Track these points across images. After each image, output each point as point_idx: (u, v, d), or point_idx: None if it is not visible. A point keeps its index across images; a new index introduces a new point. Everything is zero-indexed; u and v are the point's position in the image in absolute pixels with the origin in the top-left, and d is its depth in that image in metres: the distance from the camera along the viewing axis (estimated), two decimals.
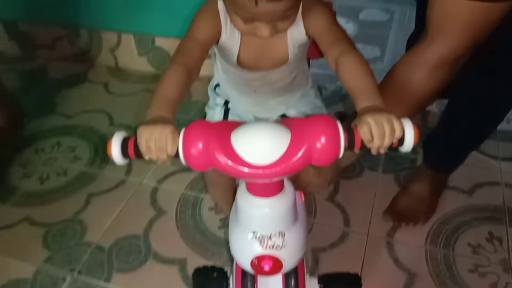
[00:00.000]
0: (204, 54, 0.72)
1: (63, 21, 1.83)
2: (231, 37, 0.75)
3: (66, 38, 1.87)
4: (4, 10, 1.89)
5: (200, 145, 0.57)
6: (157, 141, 0.57)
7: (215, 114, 0.93)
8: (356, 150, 0.59)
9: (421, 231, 1.14)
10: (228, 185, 1.02)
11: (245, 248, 0.70)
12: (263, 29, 0.67)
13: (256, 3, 0.61)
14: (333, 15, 0.75)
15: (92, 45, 1.85)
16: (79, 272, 1.11)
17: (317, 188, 1.11)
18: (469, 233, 1.13)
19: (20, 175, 1.41)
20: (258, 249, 0.68)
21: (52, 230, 1.22)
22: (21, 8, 1.86)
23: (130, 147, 0.59)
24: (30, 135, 1.56)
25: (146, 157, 0.59)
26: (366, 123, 0.56)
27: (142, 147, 0.58)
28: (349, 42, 0.70)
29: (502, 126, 1.42)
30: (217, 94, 0.94)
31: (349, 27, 2.04)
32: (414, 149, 1.32)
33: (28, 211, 1.28)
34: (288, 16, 0.67)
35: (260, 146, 0.57)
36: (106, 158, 1.43)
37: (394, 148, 0.59)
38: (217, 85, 0.94)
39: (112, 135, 0.60)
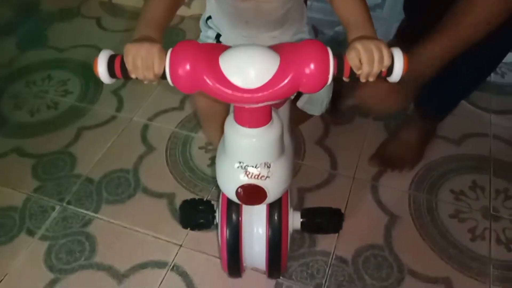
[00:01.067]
0: None
1: None
2: None
3: None
4: None
5: (188, 66, 0.56)
6: (143, 59, 0.56)
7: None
8: (345, 78, 0.58)
9: (406, 176, 1.16)
10: (221, 120, 1.02)
11: (231, 178, 0.71)
12: None
13: None
14: None
15: None
16: (68, 202, 1.13)
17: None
18: (454, 181, 1.15)
19: (10, 106, 1.40)
20: (243, 179, 0.69)
21: (42, 161, 1.23)
22: None
23: (116, 66, 0.58)
24: (21, 67, 1.53)
25: (133, 75, 0.58)
26: (355, 49, 0.56)
27: (129, 65, 0.57)
28: None
29: (496, 79, 1.43)
30: (209, 27, 0.91)
31: None
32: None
33: (19, 142, 1.29)
34: None
35: (248, 69, 0.56)
36: (97, 92, 1.42)
37: (383, 78, 0.59)
38: (209, 17, 0.91)
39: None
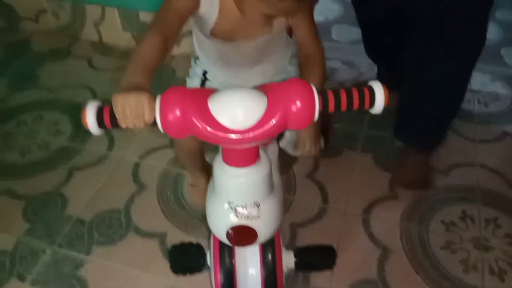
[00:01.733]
0: (182, 23, 0.72)
1: None
2: (209, 7, 0.75)
3: (49, 11, 1.84)
4: None
5: (178, 112, 0.56)
6: (133, 108, 0.56)
7: (192, 82, 0.94)
8: (331, 111, 0.60)
9: (396, 208, 1.17)
10: (195, 156, 1.04)
11: (221, 219, 0.70)
12: None
13: None
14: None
15: (75, 18, 1.82)
16: (59, 245, 1.12)
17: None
18: (444, 211, 1.16)
19: (1, 147, 1.40)
20: (233, 220, 0.69)
21: (32, 203, 1.23)
22: None
23: (105, 116, 0.58)
24: (12, 107, 1.54)
25: (123, 125, 0.58)
26: None
27: (118, 115, 0.56)
28: (317, 45, 0.80)
29: (480, 109, 1.46)
30: (197, 65, 0.94)
31: (335, 8, 2.04)
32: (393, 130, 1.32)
33: (9, 183, 1.28)
34: None
35: (237, 110, 0.57)
36: (88, 132, 1.42)
37: (365, 110, 0.61)
38: (197, 57, 0.94)
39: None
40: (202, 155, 1.06)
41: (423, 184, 1.22)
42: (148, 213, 1.19)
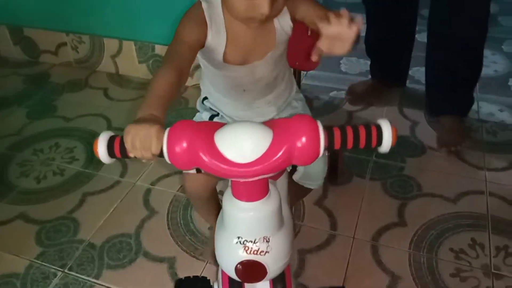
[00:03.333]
0: (193, 55, 0.75)
1: (66, 28, 1.89)
2: (217, 36, 0.78)
3: (69, 44, 1.93)
4: (10, 16, 1.96)
5: (184, 144, 0.58)
6: (141, 140, 0.58)
7: (201, 119, 0.95)
8: (336, 148, 0.60)
9: (405, 236, 1.17)
10: (207, 198, 1.02)
11: (230, 254, 0.69)
12: (263, 4, 0.69)
13: None
14: None
15: (94, 51, 1.90)
16: (70, 269, 1.14)
17: None
18: (453, 239, 1.16)
19: (18, 174, 1.44)
20: (242, 254, 0.67)
21: (46, 227, 1.25)
22: (27, 14, 1.93)
23: (116, 146, 0.60)
24: (30, 135, 1.60)
25: (131, 155, 0.59)
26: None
27: (128, 145, 0.58)
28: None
29: (489, 138, 1.47)
30: (205, 108, 0.96)
31: None
32: (401, 159, 1.36)
33: (24, 208, 1.32)
34: None
35: (242, 144, 0.58)
36: None
37: (373, 148, 0.60)
38: (205, 98, 0.96)
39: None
40: (216, 197, 1.04)
41: (461, 143, 1.43)
42: (158, 238, 1.20)
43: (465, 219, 1.21)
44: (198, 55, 0.83)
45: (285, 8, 0.79)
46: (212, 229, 1.21)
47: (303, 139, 0.58)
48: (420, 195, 1.29)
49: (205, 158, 0.58)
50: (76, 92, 1.84)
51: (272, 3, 0.69)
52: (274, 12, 0.73)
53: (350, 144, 0.60)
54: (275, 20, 0.80)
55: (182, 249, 1.17)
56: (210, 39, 0.78)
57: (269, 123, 0.62)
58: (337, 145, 0.59)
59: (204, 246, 1.17)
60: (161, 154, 0.59)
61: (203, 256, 1.15)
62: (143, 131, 0.58)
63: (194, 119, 0.98)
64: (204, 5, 0.77)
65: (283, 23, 0.81)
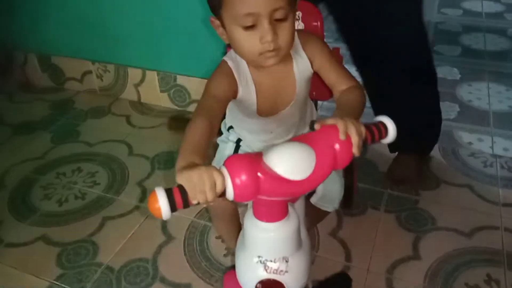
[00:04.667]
0: (223, 109, 0.78)
1: (92, 57, 1.98)
2: (246, 88, 0.82)
3: (94, 73, 2.01)
4: (39, 45, 2.06)
5: (245, 176, 0.60)
6: (206, 181, 0.57)
7: (227, 147, 0.99)
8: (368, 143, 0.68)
9: (420, 269, 1.17)
10: (231, 218, 1.06)
11: (250, 272, 0.72)
12: (265, 32, 0.71)
13: None
14: (326, 46, 0.86)
15: (118, 80, 1.98)
16: None
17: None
18: (468, 274, 1.15)
19: (41, 196, 1.49)
20: (262, 273, 0.70)
21: (66, 250, 1.29)
22: (55, 43, 2.02)
23: (177, 197, 0.58)
24: (53, 159, 1.65)
25: (195, 201, 0.58)
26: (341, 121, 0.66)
27: (192, 191, 0.57)
28: (353, 80, 0.83)
29: (503, 173, 1.48)
30: (230, 133, 1.00)
31: (357, 76, 2.13)
32: (416, 192, 1.37)
33: (45, 230, 1.36)
34: (285, 15, 0.72)
35: (295, 162, 0.63)
36: (122, 184, 1.51)
37: (378, 140, 0.69)
38: (231, 127, 0.99)
39: (151, 191, 0.58)
40: (238, 224, 1.07)
41: (413, 181, 1.43)
42: (175, 264, 1.22)
43: (480, 254, 1.21)
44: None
45: (302, 51, 0.83)
46: (227, 255, 1.23)
47: (337, 146, 0.64)
48: (434, 228, 1.29)
49: (268, 183, 0.62)
50: (99, 118, 1.90)
51: (273, 30, 0.72)
52: (283, 44, 0.74)
53: (369, 139, 0.68)
54: (294, 66, 0.83)
55: (198, 276, 1.19)
56: (242, 91, 0.81)
57: (300, 139, 0.67)
58: (368, 140, 0.68)
59: (219, 273, 1.19)
60: (223, 193, 0.60)
61: None
62: (205, 172, 0.58)
63: (219, 148, 1.02)
64: (230, 63, 0.81)
65: (302, 68, 0.84)
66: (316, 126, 0.67)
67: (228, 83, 0.80)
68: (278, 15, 0.72)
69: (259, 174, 0.61)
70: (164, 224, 1.35)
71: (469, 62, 2.27)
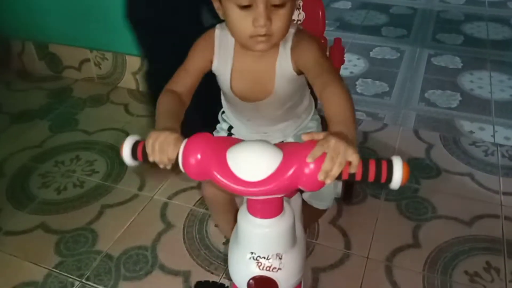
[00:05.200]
0: (195, 82, 0.79)
1: (90, 45, 1.96)
2: (224, 63, 0.81)
3: (92, 61, 1.99)
4: (37, 33, 2.03)
5: (198, 156, 0.61)
6: (161, 144, 0.62)
7: (220, 132, 0.99)
8: (344, 179, 0.60)
9: (419, 257, 1.17)
10: (227, 208, 1.04)
11: (242, 268, 0.71)
12: (259, 15, 0.69)
13: None
14: (321, 46, 0.79)
15: (116, 68, 1.96)
16: (87, 279, 1.16)
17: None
18: (467, 262, 1.15)
19: (39, 184, 1.48)
20: (255, 270, 0.69)
21: (65, 238, 1.28)
22: (53, 31, 2.00)
23: (139, 149, 0.65)
24: (51, 148, 1.64)
25: (150, 158, 0.64)
26: (326, 142, 0.57)
27: (148, 148, 0.63)
28: (333, 73, 0.72)
29: (504, 162, 1.48)
30: (223, 120, 0.99)
31: (360, 63, 2.13)
32: (416, 180, 1.37)
33: (44, 218, 1.35)
34: (283, 2, 0.69)
35: (251, 162, 0.61)
36: (121, 173, 1.50)
37: (382, 184, 0.60)
38: (223, 111, 0.99)
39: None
40: (234, 208, 1.05)
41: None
42: (174, 252, 1.22)
43: (480, 242, 1.21)
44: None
45: (289, 54, 0.79)
46: (227, 244, 1.23)
47: (311, 166, 0.58)
48: (434, 217, 1.29)
49: (215, 173, 0.61)
50: (98, 107, 1.89)
51: (268, 15, 0.69)
52: (276, 31, 0.72)
53: (358, 176, 0.59)
54: (278, 62, 0.80)
55: (197, 263, 1.18)
56: (216, 65, 0.82)
57: (280, 145, 0.64)
58: (344, 176, 0.59)
59: (218, 261, 1.18)
60: (176, 162, 0.63)
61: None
62: (163, 136, 0.63)
63: (217, 128, 1.01)
64: (217, 32, 0.81)
65: (284, 66, 0.80)
66: (304, 137, 0.62)
67: (203, 54, 0.81)
68: (276, 0, 0.70)
69: (211, 161, 0.61)
70: (163, 212, 1.35)
71: (471, 51, 2.25)
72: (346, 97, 0.67)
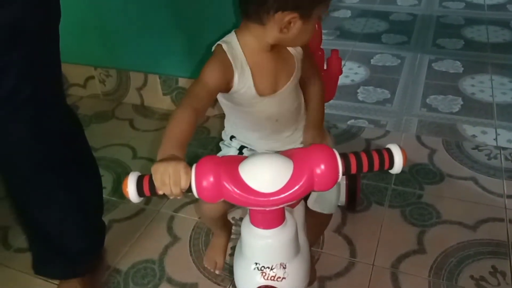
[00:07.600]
0: (212, 98, 0.80)
1: (95, 63, 2.00)
2: (242, 73, 0.83)
3: (96, 78, 2.03)
4: None
5: (211, 178, 0.62)
6: (171, 176, 0.61)
7: (230, 151, 1.00)
8: (353, 172, 0.65)
9: (425, 263, 1.17)
10: (218, 219, 1.09)
11: (247, 279, 0.73)
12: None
13: None
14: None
15: (120, 84, 1.99)
16: None
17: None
18: (473, 267, 1.15)
19: None
20: (259, 280, 0.71)
21: None
22: None
23: (145, 185, 0.63)
24: None
25: (160, 192, 0.62)
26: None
27: (157, 182, 0.61)
28: (318, 76, 0.98)
29: (507, 165, 1.48)
30: (232, 142, 1.00)
31: (361, 71, 2.14)
32: (420, 186, 1.38)
33: None
34: None
35: (266, 175, 0.63)
36: None
37: (384, 170, 0.65)
38: (232, 136, 1.00)
39: (127, 175, 0.64)
40: (225, 217, 1.14)
41: None
42: (181, 264, 1.23)
43: (485, 246, 1.21)
44: (222, 99, 0.89)
45: (301, 53, 0.91)
46: (232, 254, 1.24)
47: (322, 166, 0.62)
48: (439, 222, 1.29)
49: (231, 190, 0.62)
50: (103, 123, 1.92)
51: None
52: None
53: (365, 168, 0.64)
54: (290, 48, 0.89)
55: (204, 276, 1.20)
56: (237, 78, 0.82)
57: (287, 153, 0.66)
58: (353, 169, 0.64)
59: (224, 272, 1.19)
60: (189, 190, 0.63)
61: (204, 262, 1.22)
62: (171, 168, 0.61)
63: (222, 151, 1.03)
64: (224, 46, 0.82)
65: (297, 50, 0.91)
66: (306, 143, 0.66)
67: (223, 70, 0.81)
68: None
69: (225, 180, 0.62)
70: (170, 225, 1.36)
71: (472, 55, 2.26)
72: (319, 99, 0.99)
